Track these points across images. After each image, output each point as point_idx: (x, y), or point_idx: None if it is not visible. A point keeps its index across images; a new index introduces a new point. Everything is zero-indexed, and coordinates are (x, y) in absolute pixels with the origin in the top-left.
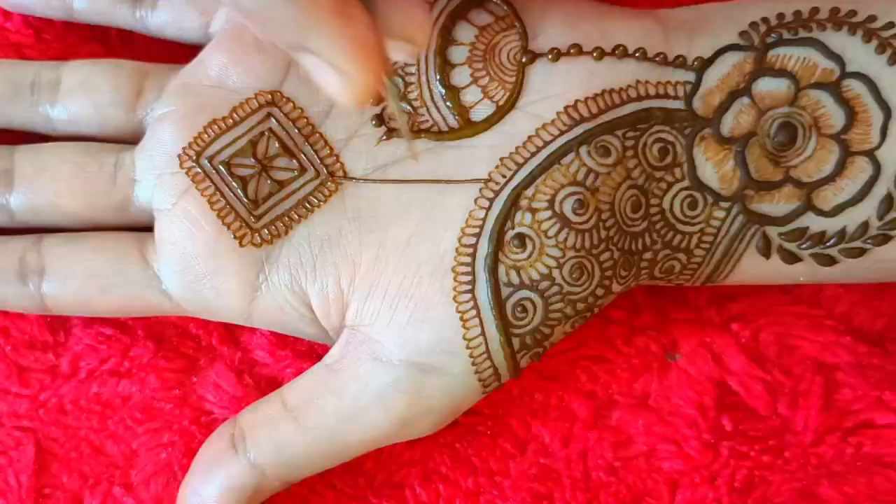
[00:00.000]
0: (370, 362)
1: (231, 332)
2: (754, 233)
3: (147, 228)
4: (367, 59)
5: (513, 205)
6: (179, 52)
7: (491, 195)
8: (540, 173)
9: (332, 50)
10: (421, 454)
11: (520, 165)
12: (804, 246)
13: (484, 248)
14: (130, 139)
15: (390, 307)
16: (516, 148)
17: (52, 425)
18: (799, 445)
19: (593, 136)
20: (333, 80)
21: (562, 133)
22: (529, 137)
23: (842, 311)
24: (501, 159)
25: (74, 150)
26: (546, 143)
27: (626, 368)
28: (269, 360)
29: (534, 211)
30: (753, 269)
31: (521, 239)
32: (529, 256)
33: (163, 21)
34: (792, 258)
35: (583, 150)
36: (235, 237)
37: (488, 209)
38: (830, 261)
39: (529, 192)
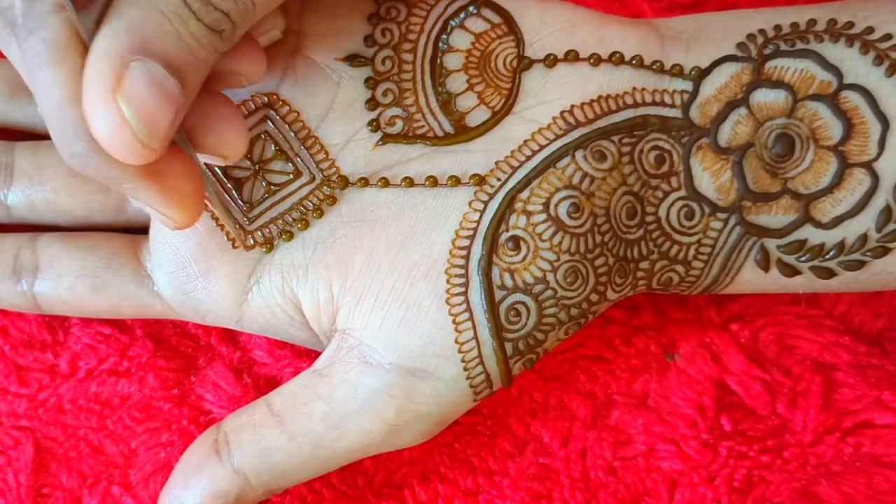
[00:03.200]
0: (360, 366)
1: (230, 332)
2: (752, 245)
3: (143, 231)
4: (180, 203)
5: (507, 207)
6: None
7: (485, 198)
8: (535, 176)
9: (145, 200)
10: (420, 454)
11: (515, 168)
12: (803, 259)
13: (478, 250)
14: None
15: (382, 310)
16: (511, 152)
17: (50, 425)
18: (798, 445)
19: (589, 141)
20: (156, 215)
21: (557, 137)
22: (525, 141)
23: (841, 311)
24: (496, 163)
25: None
26: (542, 147)
27: (625, 368)
28: (268, 359)
29: (528, 214)
30: (752, 281)
31: (516, 241)
32: (524, 259)
33: None
34: (791, 271)
35: (578, 154)
36: (228, 239)
37: (483, 212)
38: (829, 273)
39: (524, 195)
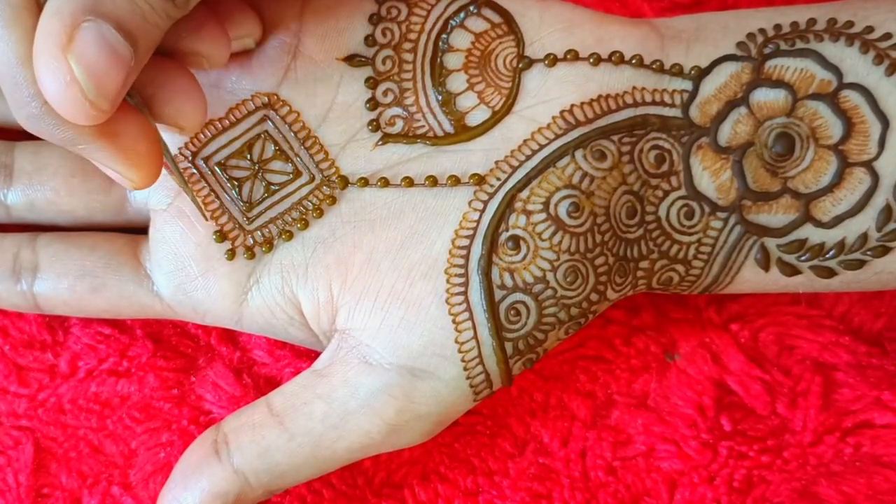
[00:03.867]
0: (360, 366)
1: (230, 332)
2: (752, 244)
3: (143, 231)
4: (136, 163)
5: (507, 207)
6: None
7: (485, 197)
8: (535, 176)
9: (101, 160)
10: (420, 454)
11: (515, 168)
12: (803, 258)
13: (477, 249)
14: None
15: (382, 310)
16: (511, 151)
17: (50, 425)
18: (798, 445)
19: (589, 140)
20: (113, 175)
21: (557, 137)
22: (525, 141)
23: (841, 311)
24: (496, 162)
25: None
26: (541, 147)
27: (625, 368)
28: (267, 359)
29: (528, 213)
30: (752, 280)
31: (516, 241)
32: (523, 259)
33: None
34: (791, 270)
35: (578, 153)
36: (228, 239)
37: (482, 211)
38: (830, 273)
39: (524, 194)
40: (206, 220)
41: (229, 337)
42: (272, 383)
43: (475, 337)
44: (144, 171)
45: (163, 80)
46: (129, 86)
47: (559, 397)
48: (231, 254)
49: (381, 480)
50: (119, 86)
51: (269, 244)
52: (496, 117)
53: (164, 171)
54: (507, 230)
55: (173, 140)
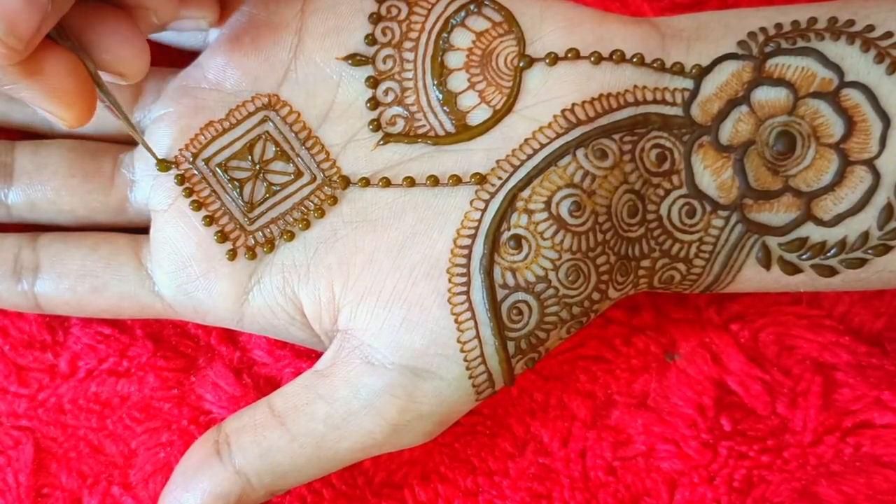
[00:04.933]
0: (362, 366)
1: (230, 332)
2: (754, 243)
3: (144, 231)
4: (66, 101)
5: (509, 206)
6: (178, 50)
7: (487, 197)
8: (536, 175)
9: (29, 99)
10: (420, 454)
11: (516, 167)
12: (804, 257)
13: (479, 249)
14: (130, 140)
15: (384, 310)
16: (512, 150)
17: (50, 425)
18: (798, 445)
19: (590, 139)
20: (46, 115)
21: (558, 136)
22: (526, 140)
23: (841, 311)
24: (498, 161)
25: (75, 149)
26: (543, 146)
27: (625, 368)
28: (267, 359)
29: (530, 212)
30: (753, 279)
31: (517, 240)
32: (525, 258)
33: None
34: (793, 269)
35: (580, 152)
36: (229, 239)
37: (484, 210)
38: (831, 272)
39: (525, 193)
40: (157, 159)
41: (229, 337)
42: (272, 383)
43: (477, 336)
44: (75, 110)
45: (101, 27)
46: (48, 28)
47: (559, 397)
48: (232, 254)
49: (381, 480)
50: (33, 28)
51: (270, 244)
52: (497, 116)
53: (174, 170)
54: (508, 229)
55: (175, 141)
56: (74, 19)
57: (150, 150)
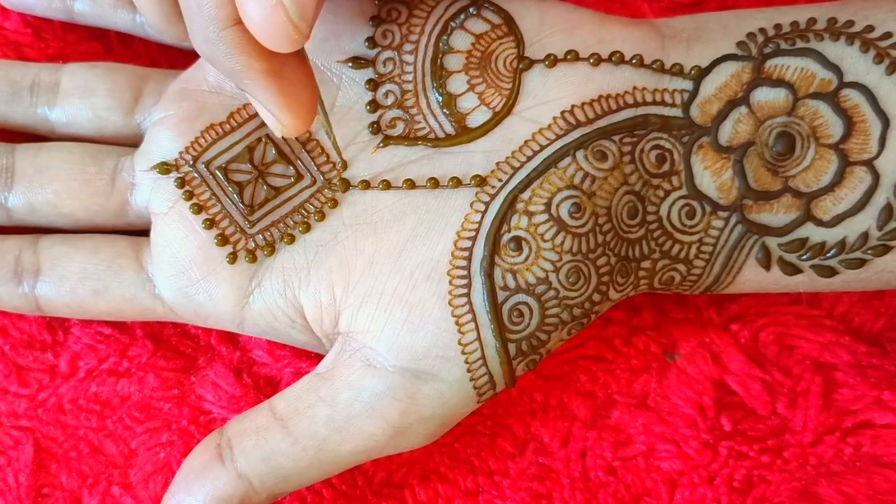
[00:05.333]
0: (364, 369)
1: (230, 332)
2: (754, 243)
3: (145, 234)
4: (294, 109)
5: (509, 208)
6: (178, 51)
7: (487, 199)
8: (536, 177)
9: (262, 99)
10: (420, 454)
11: (516, 169)
12: (804, 257)
13: (480, 251)
14: (130, 143)
15: (385, 312)
16: (512, 152)
17: (50, 425)
18: (798, 445)
19: (590, 141)
20: (268, 116)
21: (558, 137)
22: (526, 142)
23: (841, 311)
24: (497, 163)
25: (75, 152)
26: (542, 147)
27: (625, 368)
28: (267, 359)
29: (530, 214)
30: (753, 280)
31: (518, 242)
32: (526, 260)
33: None
34: (792, 270)
35: (579, 154)
36: (230, 242)
37: (484, 212)
38: (831, 272)
39: (526, 195)
40: (340, 160)
41: (229, 337)
42: (272, 383)
43: (478, 338)
44: (299, 119)
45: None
46: (320, 13)
47: (559, 397)
48: (233, 257)
49: (381, 480)
50: (315, 10)
51: (270, 247)
52: (497, 118)
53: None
54: (509, 231)
55: (175, 144)
56: None
57: (339, 151)
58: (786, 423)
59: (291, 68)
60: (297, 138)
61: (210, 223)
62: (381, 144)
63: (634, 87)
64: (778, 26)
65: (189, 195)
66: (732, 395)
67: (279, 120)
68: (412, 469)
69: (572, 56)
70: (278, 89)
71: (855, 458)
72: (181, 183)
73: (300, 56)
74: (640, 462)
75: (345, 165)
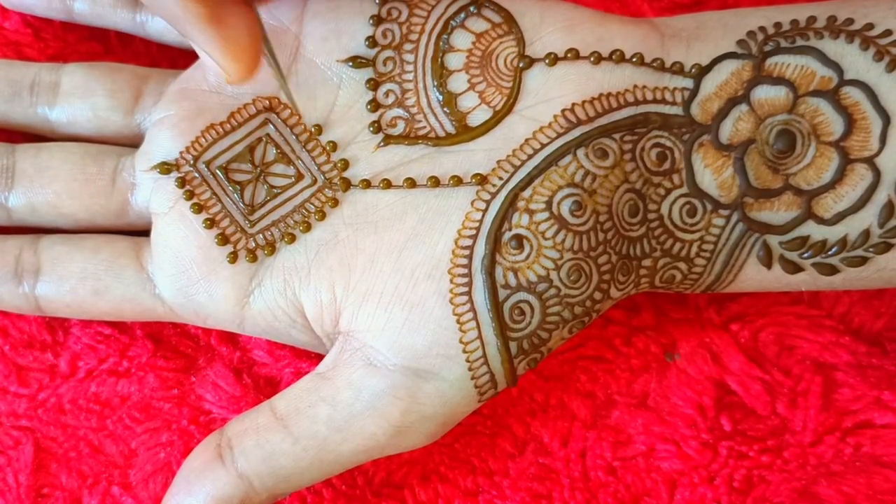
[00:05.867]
0: (364, 368)
1: (230, 332)
2: (755, 241)
3: (145, 234)
4: (236, 55)
5: (510, 206)
6: (178, 51)
7: (488, 197)
8: (537, 175)
9: (202, 44)
10: (420, 454)
11: (517, 167)
12: (806, 255)
13: (481, 249)
14: (130, 143)
15: (385, 311)
16: (513, 150)
17: (50, 425)
18: (798, 445)
19: (591, 139)
20: (212, 64)
21: (559, 135)
22: (526, 140)
23: (841, 311)
24: (498, 162)
25: (76, 152)
26: (543, 146)
27: (625, 368)
28: (267, 359)
29: (531, 212)
30: (755, 278)
31: (519, 240)
32: (527, 258)
33: (163, 27)
34: (794, 268)
35: (580, 152)
36: (230, 242)
37: (485, 211)
38: (832, 270)
39: (527, 193)
40: (297, 112)
41: (229, 337)
42: (272, 383)
43: (479, 337)
44: (242, 65)
45: None
46: None
47: (559, 397)
48: (233, 257)
49: (381, 480)
50: None
51: (271, 247)
52: (497, 117)
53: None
54: (510, 229)
55: (175, 144)
56: None
57: (294, 106)
58: (786, 423)
59: (232, 14)
60: (297, 138)
61: (210, 223)
62: (382, 143)
63: (635, 86)
64: (778, 24)
65: (189, 195)
66: (732, 395)
67: (221, 66)
68: (412, 469)
69: (573, 54)
70: (217, 34)
71: (855, 458)
72: (182, 183)
73: (243, 3)
74: (640, 462)
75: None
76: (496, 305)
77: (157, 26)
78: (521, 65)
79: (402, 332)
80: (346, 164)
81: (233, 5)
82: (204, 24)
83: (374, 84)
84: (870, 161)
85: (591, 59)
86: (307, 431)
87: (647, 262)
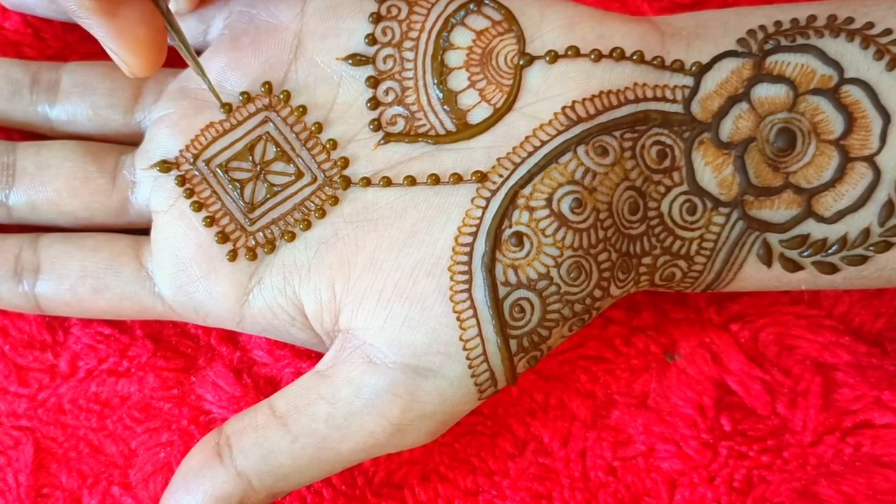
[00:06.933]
0: (364, 366)
1: (230, 332)
2: (755, 239)
3: (145, 233)
4: (133, 48)
5: (510, 203)
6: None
7: (488, 194)
8: (537, 172)
9: (99, 36)
10: (420, 454)
11: (517, 165)
12: (805, 254)
13: (481, 246)
14: (130, 141)
15: (385, 308)
16: (513, 148)
17: (50, 425)
18: (798, 445)
19: (591, 136)
20: (113, 56)
21: (559, 133)
22: (527, 137)
23: (841, 311)
24: (498, 159)
25: (76, 150)
26: (543, 143)
27: (625, 368)
28: (267, 359)
29: (531, 209)
30: (755, 277)
31: (519, 237)
32: (527, 255)
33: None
34: (794, 266)
35: (580, 149)
36: (230, 240)
37: (485, 208)
38: (832, 269)
39: (527, 190)
40: (220, 102)
41: (229, 337)
42: (272, 383)
43: (479, 334)
44: (141, 59)
45: None
46: None
47: (559, 397)
48: (233, 255)
49: (381, 480)
50: None
51: (271, 245)
52: (498, 114)
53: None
54: (510, 227)
55: (175, 142)
56: None
57: (216, 94)
58: (786, 423)
59: (127, 6)
60: (297, 136)
61: (210, 221)
62: (382, 141)
63: (635, 83)
64: (778, 23)
65: (189, 193)
66: (732, 395)
67: (119, 58)
68: (412, 469)
69: (573, 52)
70: (112, 27)
71: (855, 458)
72: (181, 181)
73: None
74: (640, 462)
75: (224, 106)
76: (496, 303)
77: None
78: (521, 62)
79: (401, 329)
80: (346, 162)
81: None
82: (97, 16)
83: (373, 82)
84: (870, 160)
85: (592, 56)
86: (306, 430)
87: (646, 260)
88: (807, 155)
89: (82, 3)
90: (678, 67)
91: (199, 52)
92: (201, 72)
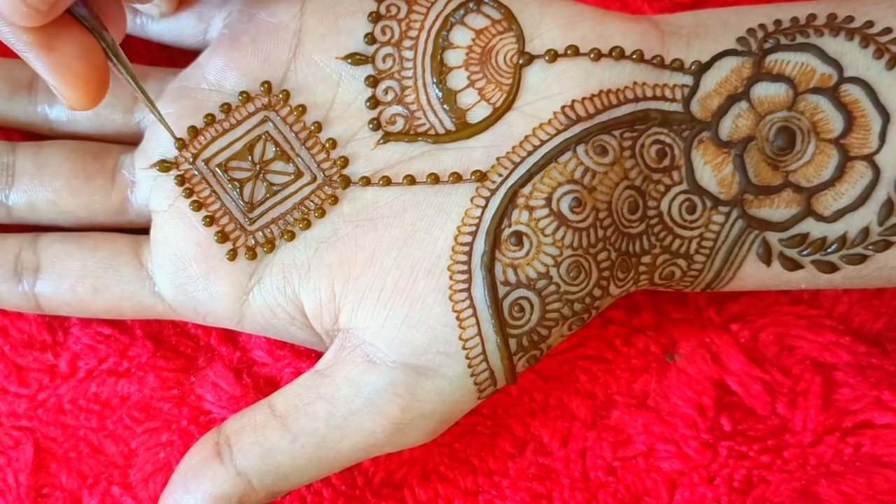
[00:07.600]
0: (363, 365)
1: (230, 332)
2: (754, 238)
3: (145, 232)
4: (72, 82)
5: (510, 203)
6: (178, 51)
7: (487, 193)
8: (537, 171)
9: (38, 70)
10: (420, 454)
11: (516, 164)
12: (805, 252)
13: (480, 246)
14: (129, 141)
15: (385, 308)
16: (513, 147)
17: (50, 425)
18: (798, 445)
19: (591, 135)
20: (54, 90)
21: (559, 132)
22: (526, 137)
23: (841, 311)
24: (498, 158)
25: (76, 150)
26: (543, 142)
27: (625, 368)
28: (267, 359)
29: (531, 209)
30: (754, 275)
31: (518, 237)
32: (527, 254)
33: (162, 28)
34: (793, 265)
35: (580, 148)
36: (229, 239)
37: (485, 207)
38: (831, 268)
39: (526, 189)
40: (174, 137)
41: (229, 337)
42: (272, 383)
43: (479, 334)
44: (80, 93)
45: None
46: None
47: (559, 397)
48: (232, 254)
49: (380, 480)
50: None
51: (270, 244)
52: (497, 114)
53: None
54: (509, 226)
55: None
56: None
57: (168, 127)
58: (786, 423)
59: (65, 41)
60: (296, 135)
61: (210, 220)
62: (382, 141)
63: (635, 83)
64: (778, 22)
65: (189, 192)
66: (732, 395)
67: (61, 94)
68: (412, 469)
69: (572, 51)
70: (49, 61)
71: (855, 458)
72: (181, 180)
73: (78, 30)
74: (640, 462)
75: (180, 143)
76: (496, 302)
77: (157, 28)
78: (520, 61)
79: (401, 328)
80: (345, 162)
81: (66, 32)
82: (33, 49)
83: (373, 81)
84: (869, 158)
85: (591, 55)
86: (306, 429)
87: (646, 259)
88: (806, 154)
89: (20, 38)
90: (678, 66)
91: (198, 52)
92: (151, 105)
